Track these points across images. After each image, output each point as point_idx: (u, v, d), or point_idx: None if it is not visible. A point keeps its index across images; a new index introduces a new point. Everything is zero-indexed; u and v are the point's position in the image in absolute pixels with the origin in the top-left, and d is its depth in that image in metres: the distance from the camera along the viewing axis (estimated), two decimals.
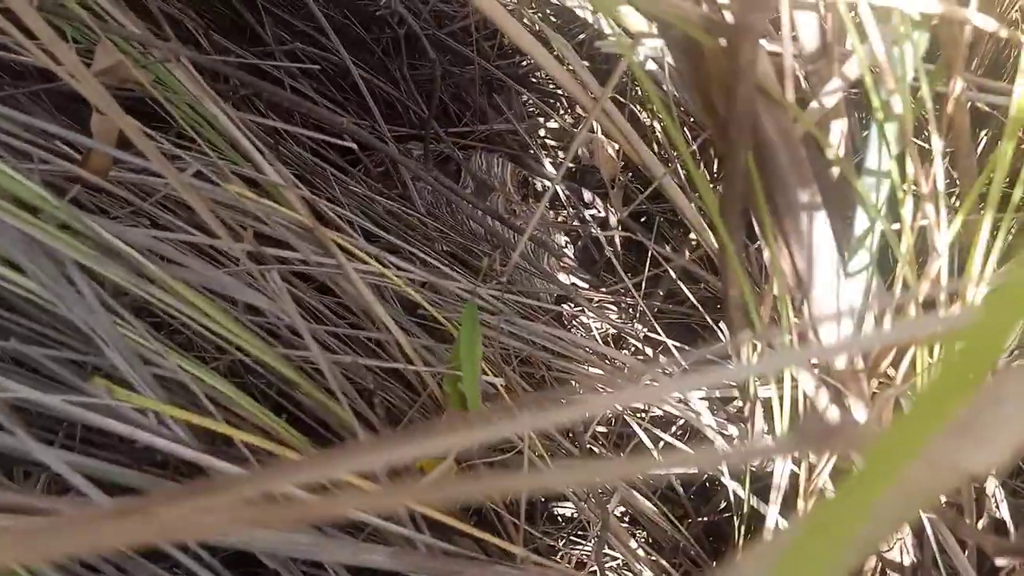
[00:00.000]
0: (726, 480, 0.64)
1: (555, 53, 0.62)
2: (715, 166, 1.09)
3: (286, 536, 0.38)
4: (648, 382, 0.66)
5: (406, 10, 1.05)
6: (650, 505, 0.66)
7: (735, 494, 0.64)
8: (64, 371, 0.39)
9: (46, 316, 0.42)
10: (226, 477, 0.35)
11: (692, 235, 1.05)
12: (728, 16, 0.26)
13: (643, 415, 0.74)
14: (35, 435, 0.35)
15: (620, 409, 0.70)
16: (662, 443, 0.70)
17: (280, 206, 0.49)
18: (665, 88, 0.74)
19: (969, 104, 0.51)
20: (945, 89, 0.41)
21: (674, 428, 0.73)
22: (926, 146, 0.41)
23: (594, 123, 1.03)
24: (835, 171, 0.41)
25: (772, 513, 0.56)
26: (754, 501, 0.62)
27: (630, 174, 1.16)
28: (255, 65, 0.86)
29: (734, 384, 0.63)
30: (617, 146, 1.08)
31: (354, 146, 0.62)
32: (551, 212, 1.17)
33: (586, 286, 1.05)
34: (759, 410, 0.58)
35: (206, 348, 0.55)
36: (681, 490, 0.73)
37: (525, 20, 1.00)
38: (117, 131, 0.48)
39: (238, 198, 0.48)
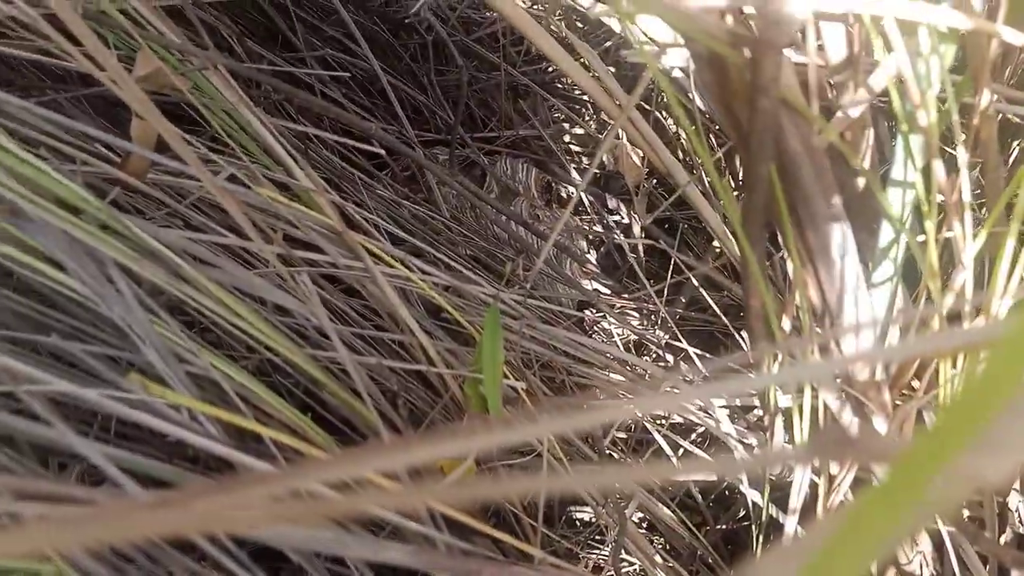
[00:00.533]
0: (745, 488, 0.64)
1: (581, 60, 0.63)
2: (739, 174, 1.09)
3: (311, 532, 0.39)
4: (669, 389, 0.66)
5: (434, 17, 1.06)
6: (668, 512, 0.67)
7: (754, 503, 0.64)
8: (101, 367, 0.41)
9: (85, 313, 0.43)
10: (257, 473, 0.36)
11: (715, 242, 1.04)
12: (752, 30, 0.27)
13: (663, 422, 0.74)
14: (71, 428, 0.36)
15: (640, 416, 0.71)
16: (681, 450, 0.70)
17: (310, 210, 0.50)
18: (690, 95, 0.74)
19: (1000, 116, 0.51)
20: (973, 100, 0.41)
21: (694, 436, 0.73)
22: (954, 152, 0.41)
23: (619, 130, 1.04)
24: (860, 182, 0.42)
25: (791, 523, 0.56)
26: (773, 510, 0.62)
27: (654, 181, 1.16)
28: (287, 71, 0.88)
29: (755, 393, 0.63)
30: (642, 153, 1.08)
31: (382, 151, 0.63)
32: (574, 218, 1.17)
33: (608, 292, 1.06)
34: (779, 420, 0.58)
35: (235, 347, 0.56)
36: (699, 497, 0.73)
37: (551, 27, 1.01)
38: (156, 135, 0.50)
39: (270, 202, 0.49)
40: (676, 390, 0.65)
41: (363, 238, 0.52)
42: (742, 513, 0.73)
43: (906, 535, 0.12)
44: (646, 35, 0.41)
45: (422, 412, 0.57)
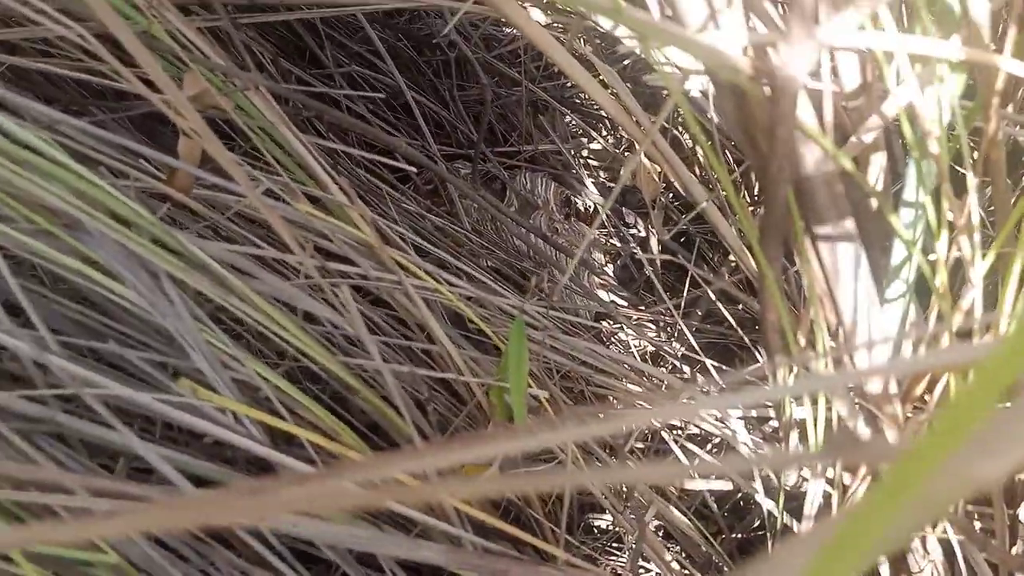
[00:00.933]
0: (760, 498, 0.66)
1: (599, 77, 0.65)
2: (755, 189, 1.11)
3: (347, 530, 0.42)
4: (686, 400, 0.68)
5: (457, 34, 1.09)
6: (685, 520, 0.68)
7: (769, 512, 0.65)
8: (153, 371, 0.43)
9: (136, 321, 0.46)
10: (297, 473, 0.39)
11: (731, 256, 1.06)
12: (772, 64, 0.29)
13: (680, 432, 0.76)
14: (131, 431, 0.39)
15: (658, 425, 0.72)
16: (697, 460, 0.72)
17: (345, 224, 0.53)
18: (708, 115, 0.76)
19: (1009, 139, 0.53)
20: (983, 124, 0.43)
21: (710, 446, 0.75)
22: (965, 172, 0.43)
23: (637, 146, 1.06)
24: (874, 202, 0.44)
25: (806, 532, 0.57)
26: (788, 519, 0.64)
27: (671, 195, 1.18)
28: (320, 91, 0.91)
29: (770, 404, 0.65)
30: (659, 168, 1.10)
31: (408, 167, 0.66)
32: (591, 231, 1.19)
33: (625, 304, 1.07)
34: (794, 431, 0.60)
35: (265, 352, 0.58)
36: (715, 507, 0.75)
37: (572, 46, 1.04)
38: (200, 152, 0.53)
39: (307, 216, 0.51)
40: (693, 400, 0.66)
41: (394, 251, 0.55)
42: (757, 523, 0.74)
43: (904, 534, 0.14)
44: (666, 58, 0.44)
45: (447, 419, 0.59)
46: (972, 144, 0.44)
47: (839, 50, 0.37)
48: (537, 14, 0.97)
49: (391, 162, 0.76)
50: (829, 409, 0.51)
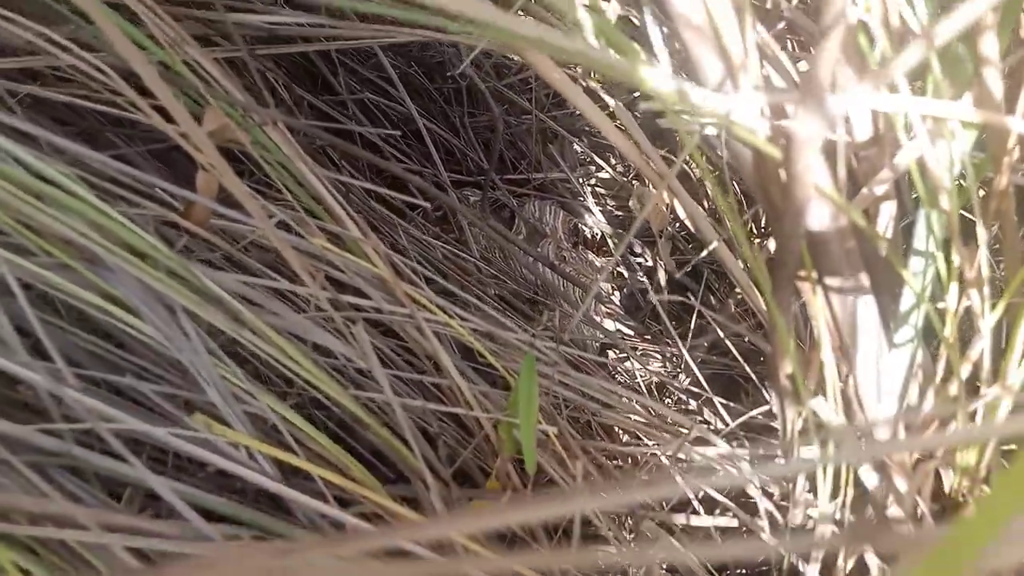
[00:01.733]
0: (766, 536, 0.66)
1: (609, 111, 0.66)
2: (763, 221, 1.11)
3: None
4: (695, 448, 0.68)
5: (470, 63, 1.10)
6: (692, 555, 0.68)
7: (776, 551, 0.65)
8: (167, 405, 0.43)
9: (150, 354, 0.46)
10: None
11: (737, 289, 1.07)
12: (787, 126, 0.30)
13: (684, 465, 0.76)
14: (143, 464, 0.39)
15: (666, 462, 0.72)
16: (703, 493, 0.72)
17: (358, 258, 0.53)
18: (719, 153, 0.77)
19: (1018, 190, 0.53)
20: (993, 176, 0.44)
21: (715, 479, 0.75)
22: (975, 220, 0.44)
23: (645, 177, 1.07)
24: (883, 251, 0.44)
25: (812, 572, 0.57)
26: (794, 558, 0.64)
27: (677, 224, 1.19)
28: (336, 126, 0.92)
29: (777, 444, 0.65)
30: (667, 199, 1.11)
31: (425, 204, 0.67)
32: (598, 259, 1.20)
33: (631, 333, 1.08)
34: (802, 476, 0.60)
35: (272, 379, 0.59)
36: (720, 542, 0.75)
37: (586, 83, 1.05)
38: (217, 186, 0.53)
39: (321, 249, 0.52)
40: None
41: (407, 285, 0.55)
42: (762, 558, 0.74)
43: None
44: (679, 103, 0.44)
45: (456, 452, 0.59)
46: (983, 193, 0.44)
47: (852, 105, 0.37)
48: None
49: (400, 196, 0.77)
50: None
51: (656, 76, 0.29)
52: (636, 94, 1.16)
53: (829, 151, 0.39)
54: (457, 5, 0.26)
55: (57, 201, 0.42)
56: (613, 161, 1.29)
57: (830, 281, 0.38)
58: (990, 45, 0.37)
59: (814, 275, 0.39)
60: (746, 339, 0.99)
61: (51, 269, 0.41)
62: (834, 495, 0.51)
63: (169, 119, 0.46)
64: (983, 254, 0.41)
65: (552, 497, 0.18)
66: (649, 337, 1.07)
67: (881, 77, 0.27)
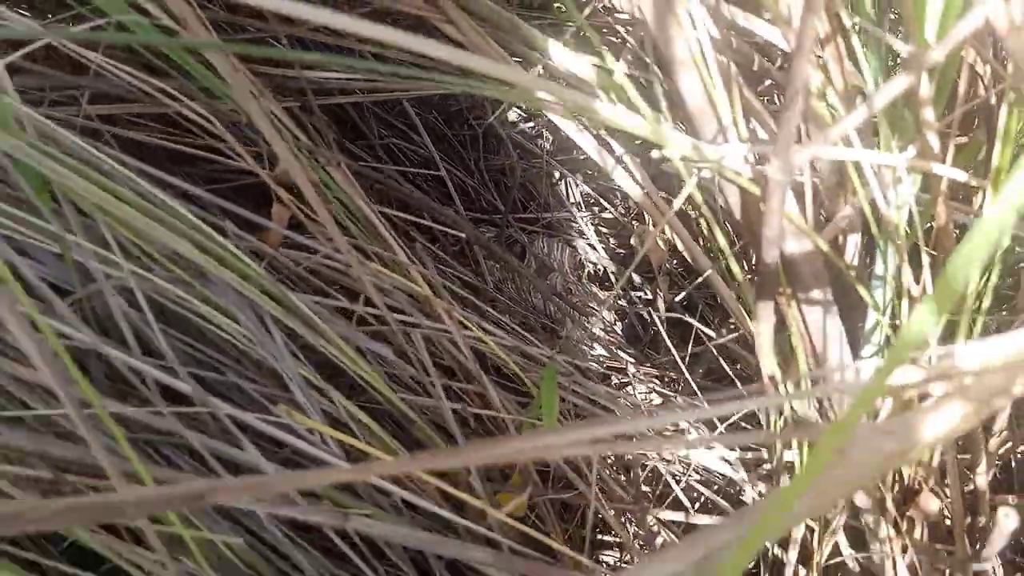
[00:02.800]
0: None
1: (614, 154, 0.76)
2: (753, 259, 1.21)
3: (412, 532, 0.50)
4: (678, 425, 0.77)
5: (486, 112, 1.21)
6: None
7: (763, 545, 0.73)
8: (255, 396, 0.52)
9: (240, 355, 0.55)
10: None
11: (731, 319, 1.16)
12: (764, 170, 0.39)
13: (684, 469, 0.84)
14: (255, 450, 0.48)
15: (664, 472, 0.81)
16: (704, 497, 0.80)
17: (408, 280, 0.63)
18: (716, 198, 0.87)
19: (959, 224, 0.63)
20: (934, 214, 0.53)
21: (715, 487, 0.83)
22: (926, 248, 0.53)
23: (646, 215, 1.17)
24: (850, 275, 0.54)
25: (791, 559, 0.65)
26: (777, 551, 0.72)
27: (675, 261, 1.29)
28: (362, 156, 1.02)
29: (762, 446, 0.74)
30: (666, 236, 1.21)
31: (462, 234, 0.76)
32: (601, 292, 1.30)
33: (632, 360, 1.17)
34: (785, 473, 0.69)
35: (339, 381, 0.67)
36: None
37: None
38: (288, 216, 0.63)
39: (376, 273, 0.61)
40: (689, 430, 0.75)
41: (445, 303, 0.64)
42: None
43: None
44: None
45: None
46: (930, 227, 0.54)
47: (817, 159, 0.47)
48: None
49: (437, 226, 0.87)
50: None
51: (662, 131, 0.39)
52: (639, 141, 1.26)
53: (801, 191, 0.49)
54: (496, 72, 0.35)
55: (170, 225, 0.51)
56: (616, 202, 1.40)
57: (802, 296, 0.48)
58: (927, 108, 0.47)
59: (789, 291, 0.48)
60: (739, 365, 1.08)
61: (169, 282, 0.50)
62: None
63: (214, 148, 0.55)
64: (927, 275, 0.51)
65: (493, 441, 0.26)
66: (648, 365, 1.16)
67: (834, 133, 0.37)
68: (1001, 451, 0.67)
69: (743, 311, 0.71)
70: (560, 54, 0.52)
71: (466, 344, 0.66)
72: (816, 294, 0.48)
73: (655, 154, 0.40)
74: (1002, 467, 0.73)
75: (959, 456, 0.60)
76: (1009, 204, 0.16)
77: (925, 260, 0.52)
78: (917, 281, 0.52)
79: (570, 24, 1.14)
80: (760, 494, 0.76)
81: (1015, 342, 0.26)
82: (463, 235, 0.96)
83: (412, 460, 0.25)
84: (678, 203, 0.50)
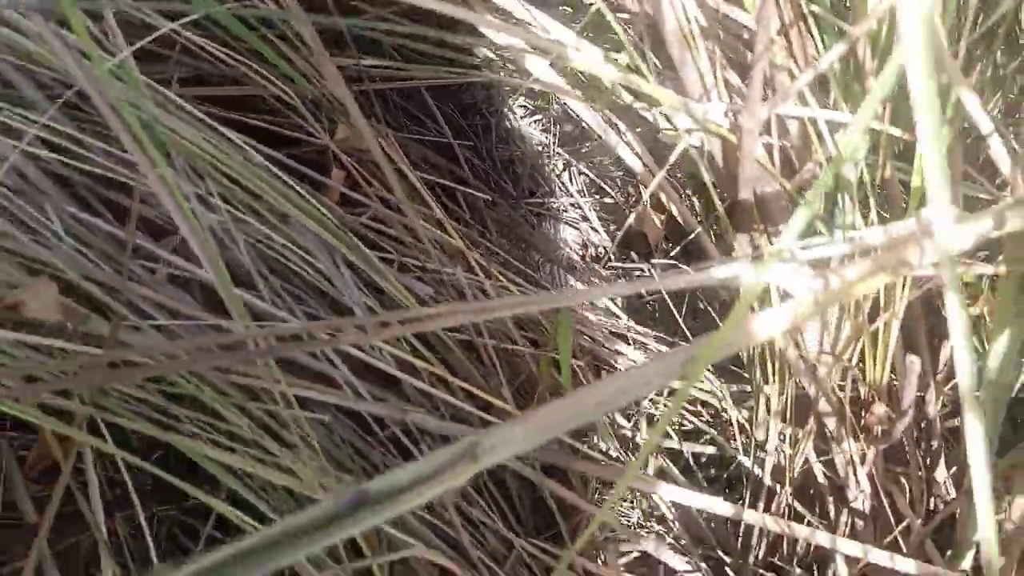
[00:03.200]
0: (740, 456, 0.86)
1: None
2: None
3: (453, 425, 0.62)
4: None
5: (500, 103, 1.34)
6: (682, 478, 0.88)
7: (744, 466, 0.85)
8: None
9: (314, 291, 0.67)
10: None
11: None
12: (739, 122, 0.51)
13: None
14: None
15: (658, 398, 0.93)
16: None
17: (444, 234, 0.75)
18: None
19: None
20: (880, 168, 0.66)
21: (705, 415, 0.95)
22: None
23: (644, 197, 1.30)
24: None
25: (767, 476, 0.77)
26: (759, 472, 0.84)
27: (670, 244, 1.41)
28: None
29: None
30: (663, 216, 1.33)
31: (485, 196, 0.88)
32: (603, 270, 1.42)
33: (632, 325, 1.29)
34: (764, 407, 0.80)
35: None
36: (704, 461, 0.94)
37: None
38: (344, 177, 0.75)
39: (423, 227, 0.73)
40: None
41: (479, 257, 0.76)
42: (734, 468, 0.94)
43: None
44: (670, 122, 0.66)
45: (511, 382, 0.80)
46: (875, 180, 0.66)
47: (784, 116, 0.59)
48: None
49: (467, 190, 0.98)
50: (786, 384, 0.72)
51: (662, 92, 0.51)
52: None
53: (772, 149, 0.61)
54: (481, 22, 0.46)
55: (263, 178, 0.63)
56: (616, 189, 1.52)
57: (771, 229, 0.60)
58: (871, 79, 0.59)
59: (762, 225, 0.60)
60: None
61: (266, 225, 0.61)
62: (780, 392, 0.72)
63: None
64: (874, 219, 0.63)
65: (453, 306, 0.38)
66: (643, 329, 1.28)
67: (791, 89, 0.49)
68: (948, 388, 0.78)
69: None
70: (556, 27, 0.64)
71: (494, 288, 0.77)
72: (783, 228, 0.59)
73: (654, 114, 0.52)
74: (953, 398, 0.85)
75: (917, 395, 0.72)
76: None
77: (872, 204, 0.64)
78: (864, 217, 0.64)
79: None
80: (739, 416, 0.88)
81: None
82: (487, 198, 1.08)
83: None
84: (674, 157, 0.62)
